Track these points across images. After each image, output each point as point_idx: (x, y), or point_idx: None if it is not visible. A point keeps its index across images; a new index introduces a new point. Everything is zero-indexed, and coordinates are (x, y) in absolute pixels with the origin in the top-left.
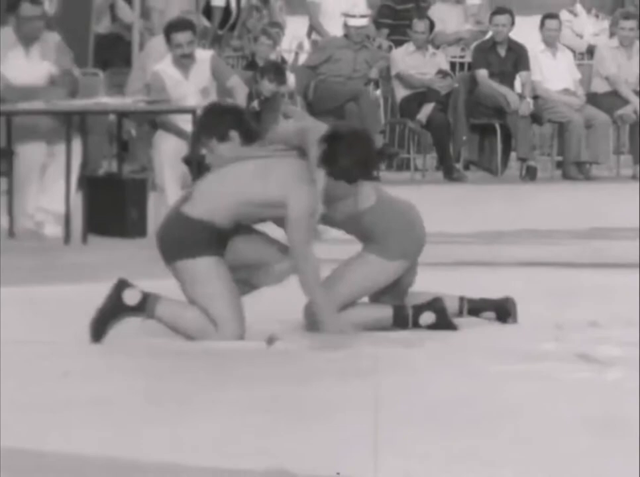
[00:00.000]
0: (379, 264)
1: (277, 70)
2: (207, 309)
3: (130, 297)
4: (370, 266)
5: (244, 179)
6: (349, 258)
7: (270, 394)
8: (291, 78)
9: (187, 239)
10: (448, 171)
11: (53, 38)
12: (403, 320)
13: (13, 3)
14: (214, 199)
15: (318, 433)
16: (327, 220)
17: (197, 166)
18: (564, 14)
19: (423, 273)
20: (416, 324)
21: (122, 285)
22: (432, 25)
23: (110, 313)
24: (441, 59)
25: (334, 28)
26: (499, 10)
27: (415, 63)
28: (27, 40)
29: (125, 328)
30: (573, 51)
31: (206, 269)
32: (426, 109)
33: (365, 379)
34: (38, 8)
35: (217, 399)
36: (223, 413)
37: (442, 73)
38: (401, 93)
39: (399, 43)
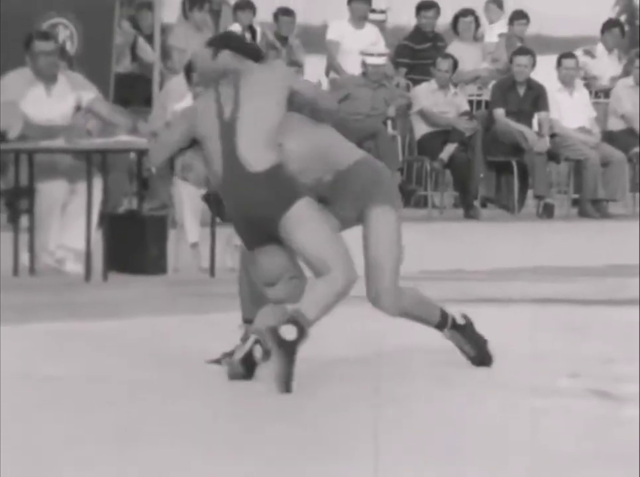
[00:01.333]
0: (395, 214)
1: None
2: (324, 250)
3: (288, 332)
4: (394, 217)
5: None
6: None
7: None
8: None
9: (285, 191)
10: (468, 208)
11: (75, 77)
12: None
13: (27, 41)
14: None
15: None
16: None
17: (215, 203)
18: (581, 57)
19: None
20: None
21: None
22: (455, 64)
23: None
24: (462, 100)
25: (352, 67)
26: (521, 51)
27: (437, 101)
28: (46, 77)
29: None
30: (590, 89)
31: (310, 211)
32: (449, 148)
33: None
34: (50, 44)
35: None
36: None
37: (467, 114)
38: (420, 130)
39: (416, 82)
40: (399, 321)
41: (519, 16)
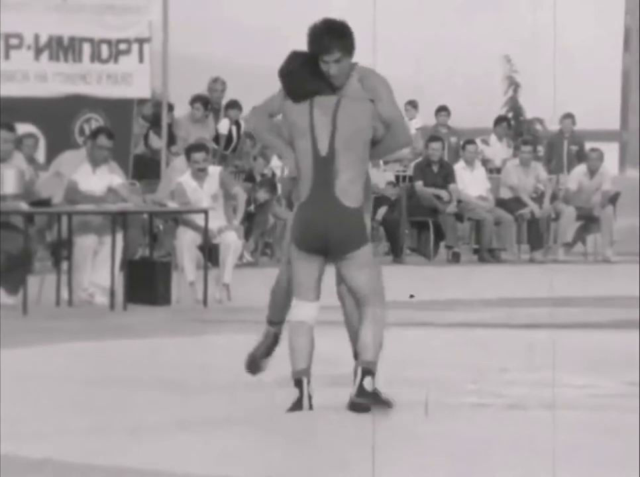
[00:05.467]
0: None
1: (269, 183)
2: (374, 288)
3: (368, 384)
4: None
5: None
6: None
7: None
8: (278, 187)
9: (362, 230)
10: (397, 255)
11: (113, 164)
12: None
13: (95, 132)
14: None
15: None
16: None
17: (208, 252)
18: (479, 143)
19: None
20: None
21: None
22: None
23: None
24: (389, 173)
25: None
26: (433, 138)
27: (372, 175)
28: (96, 161)
29: None
30: (485, 167)
31: (371, 256)
32: (382, 211)
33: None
34: (110, 142)
35: None
36: None
37: (391, 184)
38: None
39: None
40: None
41: (442, 109)
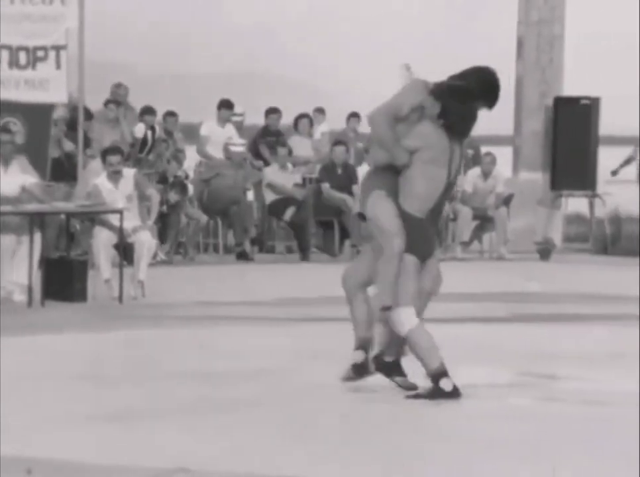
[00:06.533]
0: None
1: (181, 184)
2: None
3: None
4: None
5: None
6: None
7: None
8: (190, 188)
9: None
10: (304, 253)
11: (23, 160)
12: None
13: None
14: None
15: None
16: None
17: (123, 251)
18: None
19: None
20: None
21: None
22: (290, 151)
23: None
24: (297, 176)
25: (218, 153)
26: (337, 143)
27: (279, 177)
28: (4, 160)
29: None
30: None
31: None
32: (290, 211)
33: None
34: (8, 135)
35: None
36: None
37: (298, 185)
38: (269, 198)
39: (266, 164)
40: None
41: (354, 115)
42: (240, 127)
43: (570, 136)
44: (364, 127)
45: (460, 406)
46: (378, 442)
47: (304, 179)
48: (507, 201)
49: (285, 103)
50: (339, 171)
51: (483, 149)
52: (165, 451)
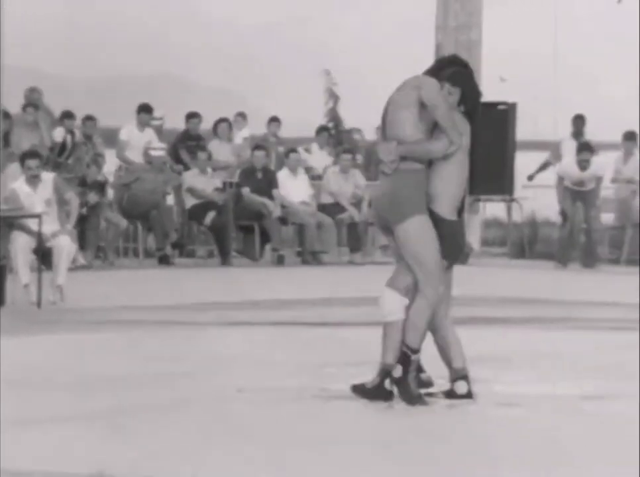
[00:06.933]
0: None
1: (99, 185)
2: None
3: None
4: None
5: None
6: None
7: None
8: (110, 192)
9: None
10: (224, 258)
11: None
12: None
13: None
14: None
15: None
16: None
17: (42, 255)
18: (302, 152)
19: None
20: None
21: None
22: (210, 156)
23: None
24: (217, 180)
25: (137, 158)
26: (257, 147)
27: (199, 181)
28: None
29: None
30: (308, 174)
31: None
32: (210, 215)
33: None
34: None
35: None
36: None
37: (218, 189)
38: (190, 202)
39: (186, 168)
40: None
41: (274, 119)
42: (159, 131)
43: (487, 141)
44: (285, 131)
45: (366, 408)
46: (281, 444)
47: (224, 184)
48: None
49: (205, 107)
50: (259, 175)
51: None
52: (86, 456)
